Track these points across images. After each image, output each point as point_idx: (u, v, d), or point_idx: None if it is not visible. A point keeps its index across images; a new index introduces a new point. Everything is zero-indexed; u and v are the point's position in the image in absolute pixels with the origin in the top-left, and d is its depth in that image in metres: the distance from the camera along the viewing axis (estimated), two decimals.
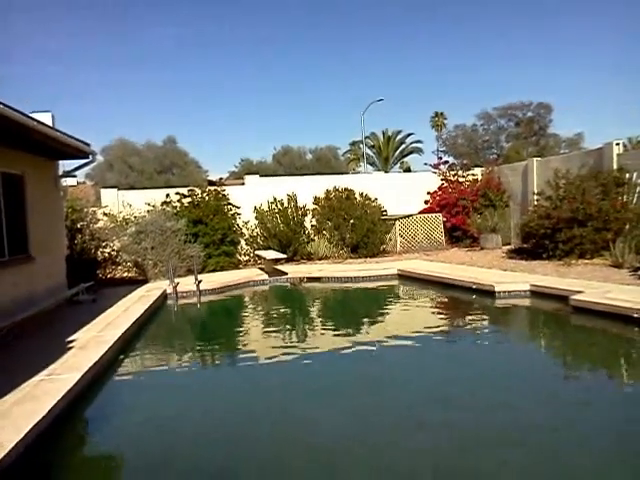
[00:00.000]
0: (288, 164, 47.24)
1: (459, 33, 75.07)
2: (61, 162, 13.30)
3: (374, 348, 8.71)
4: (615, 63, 68.04)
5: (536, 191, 17.91)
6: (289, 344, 9.28)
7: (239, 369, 8.16)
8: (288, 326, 11.03)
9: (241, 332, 10.85)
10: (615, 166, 15.81)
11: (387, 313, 11.88)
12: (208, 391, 7.02)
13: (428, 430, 5.23)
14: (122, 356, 8.31)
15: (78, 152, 11.75)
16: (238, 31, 73.10)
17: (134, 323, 9.67)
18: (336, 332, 10.15)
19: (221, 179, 29.11)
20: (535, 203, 16.82)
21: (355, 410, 5.85)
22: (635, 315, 8.30)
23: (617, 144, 16.20)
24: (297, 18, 72.71)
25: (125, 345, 8.72)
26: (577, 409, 5.65)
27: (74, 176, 43.87)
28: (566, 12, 67.07)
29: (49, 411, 5.29)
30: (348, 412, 5.80)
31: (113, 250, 16.71)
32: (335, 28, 75.19)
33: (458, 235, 20.78)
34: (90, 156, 12.40)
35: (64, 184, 19.06)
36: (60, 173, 13.25)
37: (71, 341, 8.28)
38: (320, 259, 19.25)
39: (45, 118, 11.37)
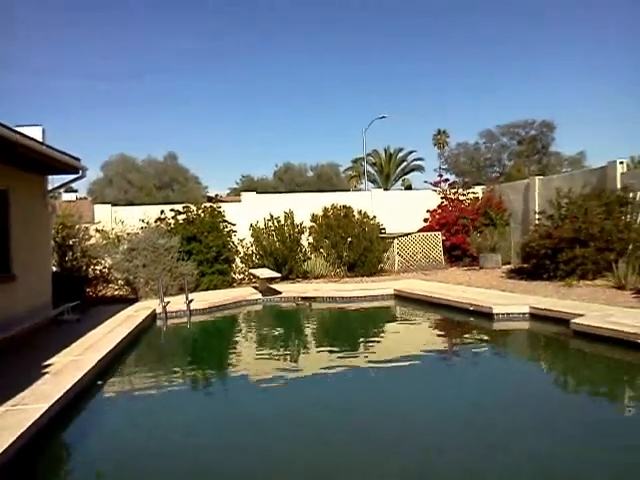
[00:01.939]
0: (289, 181, 47.18)
1: (462, 51, 75.18)
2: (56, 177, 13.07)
3: (362, 373, 8.29)
4: (619, 81, 67.91)
5: (537, 210, 17.57)
6: (280, 368, 8.84)
7: (224, 395, 7.83)
8: (280, 348, 10.61)
9: (230, 355, 10.48)
10: (619, 185, 15.50)
11: (379, 336, 11.52)
12: (190, 419, 6.58)
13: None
14: (100, 382, 7.90)
15: (68, 167, 11.43)
16: (240, 48, 73.27)
17: (117, 346, 9.28)
18: (327, 354, 9.70)
19: (217, 195, 28.85)
20: (536, 222, 16.48)
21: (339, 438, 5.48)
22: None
23: (621, 163, 15.90)
24: (300, 36, 72.89)
25: (104, 370, 8.30)
26: (575, 438, 5.25)
27: (75, 191, 43.76)
28: (566, 32, 67.21)
29: (6, 449, 4.89)
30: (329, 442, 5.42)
31: (105, 268, 16.38)
32: (338, 46, 75.39)
33: (457, 254, 20.42)
34: (80, 171, 12.07)
35: (56, 200, 18.87)
36: (50, 188, 12.92)
37: (46, 365, 7.89)
38: (316, 278, 18.88)
39: (35, 132, 11.10)
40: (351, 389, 7.49)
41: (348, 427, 6.01)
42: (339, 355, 9.57)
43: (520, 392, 7.14)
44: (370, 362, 8.89)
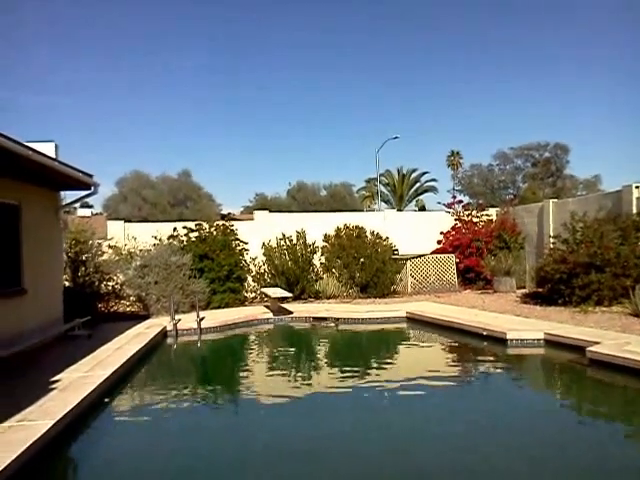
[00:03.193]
0: (302, 200, 47.22)
1: (477, 73, 75.36)
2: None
3: (372, 397, 8.15)
4: (632, 106, 67.69)
5: (552, 234, 17.40)
6: (288, 390, 8.75)
7: (233, 417, 7.69)
8: (289, 369, 10.50)
9: (240, 375, 10.33)
10: (635, 209, 15.32)
11: (389, 360, 11.37)
12: (198, 442, 6.47)
13: None
14: (107, 399, 7.82)
15: (79, 183, 11.49)
16: (255, 65, 73.88)
17: (126, 363, 9.23)
18: (338, 377, 9.54)
19: (229, 214, 28.87)
20: (551, 246, 16.28)
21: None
22: None
23: (637, 187, 15.70)
24: (315, 55, 73.47)
25: (112, 387, 8.24)
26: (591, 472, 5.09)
27: (90, 206, 43.95)
28: (579, 56, 67.28)
29: (8, 464, 4.82)
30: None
31: (117, 284, 16.37)
32: (353, 67, 75.86)
33: (471, 277, 20.21)
34: (92, 187, 12.11)
35: (71, 215, 18.96)
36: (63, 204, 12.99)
37: (54, 381, 7.84)
38: (328, 298, 18.75)
39: (48, 148, 11.17)
40: (361, 413, 7.35)
41: (361, 453, 5.88)
42: (349, 378, 9.39)
43: (533, 422, 6.97)
44: (379, 386, 8.74)
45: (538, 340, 10.63)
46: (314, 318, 15.06)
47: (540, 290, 15.84)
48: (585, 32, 65.70)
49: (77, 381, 7.86)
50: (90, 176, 11.51)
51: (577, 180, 48.79)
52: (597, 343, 9.23)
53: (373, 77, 77.36)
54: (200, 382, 9.98)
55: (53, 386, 7.58)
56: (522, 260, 19.33)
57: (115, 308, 16.32)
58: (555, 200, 20.22)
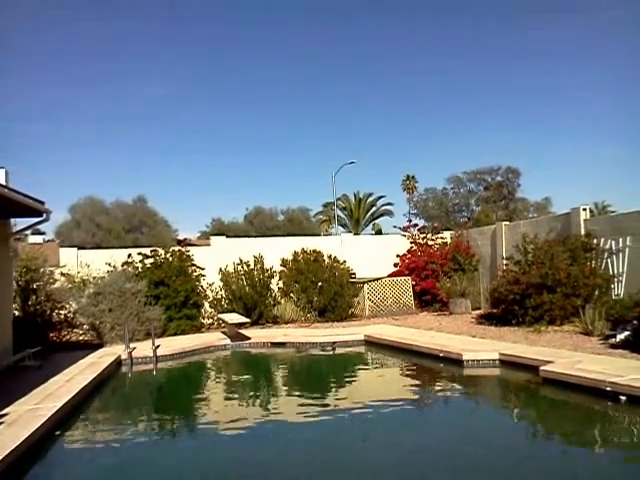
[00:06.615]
0: (259, 225, 47.18)
1: (429, 97, 76.86)
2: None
3: (331, 422, 8.13)
4: (582, 129, 70.09)
5: (505, 255, 17.77)
6: (245, 417, 8.63)
7: (190, 450, 7.52)
8: (246, 396, 10.39)
9: (196, 404, 10.13)
10: (582, 231, 15.78)
11: (346, 384, 11.34)
12: (152, 475, 6.32)
13: None
14: (58, 432, 7.58)
15: (31, 210, 11.22)
16: (208, 90, 73.78)
17: (78, 394, 8.97)
18: (295, 403, 9.49)
19: (186, 239, 28.64)
20: (504, 268, 16.62)
21: None
22: (608, 388, 7.89)
23: (584, 209, 16.23)
24: (269, 80, 73.89)
25: (64, 419, 8.00)
26: None
27: (42, 233, 42.54)
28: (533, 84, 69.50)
29: None
30: None
31: (70, 312, 15.97)
32: (308, 90, 76.48)
33: (427, 299, 20.41)
34: (44, 214, 11.85)
35: (22, 242, 18.49)
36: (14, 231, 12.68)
37: (1, 415, 7.56)
38: (286, 323, 18.67)
39: None
40: (314, 439, 7.33)
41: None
42: (306, 403, 9.39)
43: (487, 444, 7.05)
44: (338, 411, 8.73)
45: (493, 360, 10.79)
46: (272, 343, 14.97)
47: (494, 311, 16.11)
48: (536, 58, 67.83)
49: (26, 414, 7.60)
50: (42, 203, 11.25)
51: (528, 203, 50.20)
52: (550, 362, 9.43)
53: (329, 103, 78.07)
54: (155, 412, 9.75)
55: (0, 420, 7.32)
56: (476, 282, 19.65)
57: (67, 337, 15.89)
58: (507, 223, 20.69)
